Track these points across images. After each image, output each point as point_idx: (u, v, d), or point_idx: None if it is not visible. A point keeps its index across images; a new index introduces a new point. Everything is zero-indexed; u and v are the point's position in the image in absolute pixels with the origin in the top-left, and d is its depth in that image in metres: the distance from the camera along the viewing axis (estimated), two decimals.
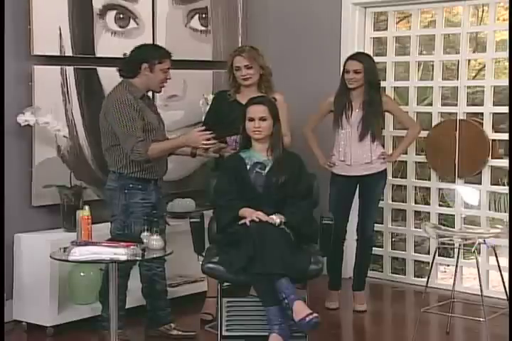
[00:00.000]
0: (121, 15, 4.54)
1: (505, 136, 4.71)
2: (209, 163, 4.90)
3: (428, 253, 5.19)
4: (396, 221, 5.39)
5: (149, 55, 3.82)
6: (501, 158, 4.95)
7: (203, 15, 4.98)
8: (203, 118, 4.43)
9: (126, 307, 4.06)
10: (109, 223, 4.32)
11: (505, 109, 4.68)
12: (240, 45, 5.15)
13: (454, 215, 4.98)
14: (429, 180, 5.09)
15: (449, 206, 5.13)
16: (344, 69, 4.38)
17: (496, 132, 4.87)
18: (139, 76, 3.81)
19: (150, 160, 3.77)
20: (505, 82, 4.58)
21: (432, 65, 5.18)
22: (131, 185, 3.80)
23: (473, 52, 5.61)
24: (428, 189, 5.19)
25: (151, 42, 4.66)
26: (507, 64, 4.88)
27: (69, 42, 4.29)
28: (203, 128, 3.82)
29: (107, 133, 3.81)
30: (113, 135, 3.77)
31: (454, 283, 4.22)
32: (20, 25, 4.11)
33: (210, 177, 4.05)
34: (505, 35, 4.73)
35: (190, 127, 4.85)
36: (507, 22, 4.73)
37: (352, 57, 4.41)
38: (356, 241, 4.58)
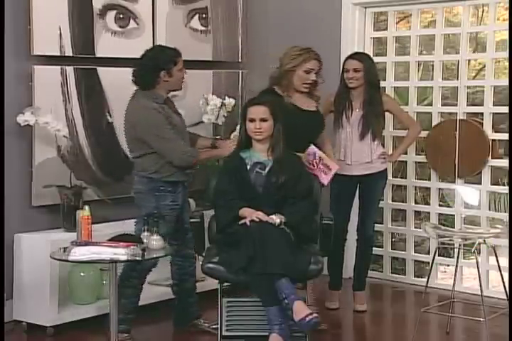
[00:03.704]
0: (121, 15, 4.54)
1: (505, 136, 4.71)
2: (209, 162, 4.90)
3: (428, 253, 5.20)
4: (396, 221, 5.39)
5: (163, 61, 3.79)
6: (501, 158, 4.95)
7: (203, 15, 4.98)
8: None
9: None
10: (108, 223, 4.35)
11: (505, 109, 4.68)
12: (240, 45, 5.16)
13: (454, 215, 4.98)
14: (429, 180, 5.09)
15: (449, 206, 5.13)
16: (344, 68, 4.38)
17: (496, 132, 4.87)
18: (159, 83, 3.81)
19: (195, 165, 3.90)
20: (505, 82, 4.58)
21: (432, 65, 5.18)
22: (161, 188, 3.83)
23: (473, 52, 5.61)
24: (428, 189, 5.19)
25: (151, 42, 4.66)
26: (507, 64, 4.88)
27: (69, 42, 4.29)
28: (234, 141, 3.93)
29: (135, 141, 3.82)
30: (143, 144, 3.78)
31: (454, 283, 4.22)
32: (20, 25, 4.11)
33: (211, 178, 4.05)
34: (505, 35, 4.74)
35: (190, 127, 4.85)
36: (507, 22, 4.74)
37: (351, 57, 4.41)
38: (356, 241, 4.58)
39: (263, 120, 3.78)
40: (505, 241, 4.35)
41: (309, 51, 4.06)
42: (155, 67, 3.78)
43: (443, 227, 4.20)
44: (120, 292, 3.56)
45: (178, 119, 3.90)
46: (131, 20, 4.59)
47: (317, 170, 4.00)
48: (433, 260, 4.07)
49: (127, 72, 4.53)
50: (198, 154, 3.85)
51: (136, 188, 3.91)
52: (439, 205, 5.08)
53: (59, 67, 4.28)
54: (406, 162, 5.15)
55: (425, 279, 4.14)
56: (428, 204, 5.19)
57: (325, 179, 4.01)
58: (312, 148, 4.00)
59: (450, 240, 3.95)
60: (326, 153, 4.11)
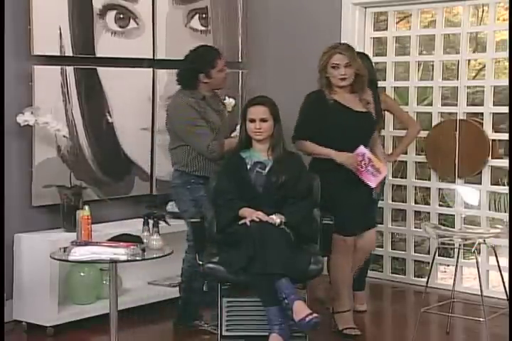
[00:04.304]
0: (121, 15, 4.54)
1: (505, 136, 4.71)
2: None
3: (428, 253, 5.19)
4: (396, 221, 5.39)
5: (202, 64, 3.99)
6: (501, 158, 4.95)
7: (203, 15, 4.98)
8: (301, 129, 4.04)
9: (126, 307, 4.08)
10: (108, 223, 4.35)
11: (505, 109, 4.68)
12: (240, 45, 5.16)
13: (454, 215, 4.98)
14: (429, 180, 5.09)
15: (449, 206, 5.13)
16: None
17: (496, 132, 4.87)
18: (199, 84, 4.02)
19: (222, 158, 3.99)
20: (505, 82, 4.58)
21: (432, 65, 5.18)
22: (192, 181, 4.00)
23: (473, 52, 5.61)
24: (428, 189, 5.19)
25: (151, 42, 4.66)
26: (507, 64, 4.88)
27: (69, 42, 4.29)
28: None
29: (171, 134, 4.08)
30: (176, 137, 4.03)
31: (454, 283, 4.22)
32: (20, 25, 4.10)
33: (211, 178, 4.05)
34: (505, 35, 4.74)
35: None
36: (507, 22, 4.74)
37: None
38: None
39: (263, 120, 3.78)
40: (505, 241, 4.34)
41: (335, 46, 4.02)
42: (194, 70, 4.00)
43: (443, 227, 4.20)
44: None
45: (215, 116, 4.04)
46: (131, 20, 4.59)
47: (365, 172, 3.91)
48: (433, 260, 4.07)
49: (127, 72, 4.57)
50: (220, 148, 3.95)
51: (172, 183, 4.10)
52: (439, 205, 5.07)
53: (59, 67, 4.28)
54: (406, 162, 5.15)
55: (425, 279, 4.14)
56: (428, 204, 5.19)
57: (373, 181, 3.93)
58: (361, 148, 3.90)
59: (450, 240, 3.94)
60: (377, 155, 4.03)
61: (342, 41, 5.12)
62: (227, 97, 4.79)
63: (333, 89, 3.98)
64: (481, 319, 3.74)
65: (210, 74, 4.00)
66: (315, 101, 4.00)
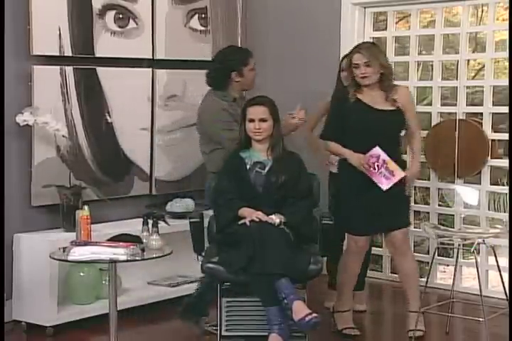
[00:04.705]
0: (121, 15, 4.54)
1: (505, 136, 4.70)
2: None
3: (428, 253, 5.19)
4: None
5: (234, 62, 4.00)
6: (501, 158, 4.95)
7: (203, 15, 4.98)
8: (328, 130, 4.02)
9: (126, 307, 4.07)
10: (107, 223, 4.35)
11: (505, 109, 4.68)
12: (239, 45, 5.16)
13: (453, 215, 4.97)
14: (429, 180, 5.09)
15: (448, 206, 5.13)
16: (340, 67, 4.36)
17: (495, 132, 4.86)
18: (231, 83, 4.02)
19: None
20: (505, 82, 4.58)
21: (432, 65, 5.18)
22: None
23: (473, 52, 5.60)
24: (428, 189, 5.18)
25: (150, 42, 4.66)
26: (506, 64, 4.88)
27: (68, 42, 4.29)
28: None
29: (204, 138, 4.08)
30: (210, 140, 4.03)
31: (453, 283, 4.22)
32: (19, 25, 4.10)
33: (211, 178, 4.05)
34: (505, 35, 4.74)
35: (189, 127, 4.85)
36: (506, 22, 4.74)
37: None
38: None
39: (262, 120, 3.78)
40: (505, 241, 4.35)
41: (357, 46, 4.03)
42: (226, 69, 3.99)
43: (442, 227, 4.20)
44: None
45: None
46: (131, 20, 4.59)
47: (377, 174, 3.82)
48: (432, 260, 4.07)
49: (127, 72, 4.56)
50: None
51: (206, 187, 4.06)
52: (439, 205, 5.07)
53: (58, 67, 4.28)
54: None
55: (425, 279, 4.15)
56: (428, 204, 5.19)
57: (384, 184, 3.83)
58: (376, 150, 3.82)
59: (450, 240, 3.94)
60: (414, 153, 4.00)
61: (341, 41, 5.14)
62: None
63: (360, 89, 3.95)
64: (481, 319, 3.74)
65: (242, 73, 4.01)
66: (337, 101, 4.04)
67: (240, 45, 5.14)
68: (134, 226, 4.08)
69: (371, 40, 5.19)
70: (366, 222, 3.92)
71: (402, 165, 4.01)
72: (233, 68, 4.00)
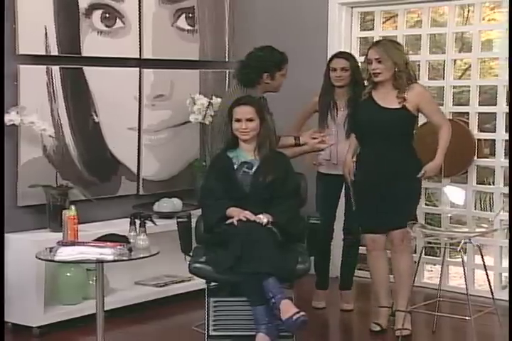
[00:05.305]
0: (108, 15, 4.52)
1: (491, 136, 4.74)
2: (196, 161, 4.90)
3: (414, 252, 5.20)
4: None
5: (270, 64, 4.00)
6: (487, 158, 4.98)
7: (190, 15, 4.97)
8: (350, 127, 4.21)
9: (113, 307, 4.06)
10: (94, 223, 4.33)
11: (491, 109, 4.71)
12: (226, 44, 5.16)
13: (440, 214, 4.99)
14: None
15: (435, 205, 5.14)
16: (330, 67, 4.37)
17: (481, 131, 4.89)
18: (260, 83, 4.02)
19: None
20: (491, 82, 4.62)
21: (418, 65, 5.19)
22: None
23: (459, 52, 5.64)
24: None
25: (137, 41, 4.65)
26: (492, 64, 4.90)
27: (55, 42, 4.27)
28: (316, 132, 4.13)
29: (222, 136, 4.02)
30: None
31: (440, 282, 4.24)
32: (5, 24, 4.08)
33: (198, 177, 4.05)
34: (491, 35, 4.78)
35: (177, 127, 4.85)
36: (492, 22, 4.77)
37: (338, 56, 4.41)
38: (343, 240, 4.59)
39: (249, 120, 3.78)
40: (491, 240, 4.37)
41: (374, 42, 4.08)
42: (260, 68, 3.99)
43: (429, 226, 4.22)
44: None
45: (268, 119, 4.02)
46: (118, 20, 4.57)
47: None
48: (419, 259, 4.08)
49: (113, 72, 4.55)
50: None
51: None
52: (426, 204, 5.09)
53: (45, 66, 4.26)
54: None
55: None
56: None
57: None
58: None
59: (436, 239, 3.96)
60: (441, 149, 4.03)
61: (329, 41, 5.15)
62: (214, 97, 4.79)
63: (377, 85, 3.99)
64: (467, 317, 3.76)
65: (274, 76, 4.03)
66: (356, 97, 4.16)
67: (227, 45, 5.15)
68: (121, 226, 4.07)
69: (358, 40, 5.22)
70: (372, 219, 4.01)
71: (414, 163, 4.06)
72: (267, 70, 4.01)
